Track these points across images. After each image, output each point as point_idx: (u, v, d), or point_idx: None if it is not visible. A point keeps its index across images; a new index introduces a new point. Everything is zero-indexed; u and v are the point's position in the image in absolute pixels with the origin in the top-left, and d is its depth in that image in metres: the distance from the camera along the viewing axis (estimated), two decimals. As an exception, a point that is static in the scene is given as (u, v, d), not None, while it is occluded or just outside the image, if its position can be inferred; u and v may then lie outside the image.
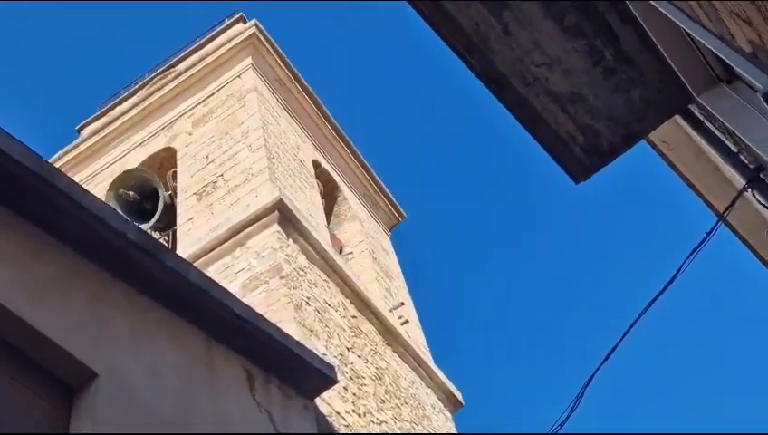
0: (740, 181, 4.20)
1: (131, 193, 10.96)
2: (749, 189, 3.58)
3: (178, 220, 9.85)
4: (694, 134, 4.43)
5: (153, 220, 10.66)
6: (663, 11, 2.64)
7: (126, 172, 11.20)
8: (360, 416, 7.42)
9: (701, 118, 4.06)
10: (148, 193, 11.08)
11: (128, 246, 4.35)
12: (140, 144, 11.76)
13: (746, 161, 3.69)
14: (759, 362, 30.81)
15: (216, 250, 8.29)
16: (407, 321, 10.76)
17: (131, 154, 11.72)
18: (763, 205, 3.47)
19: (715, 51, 2.37)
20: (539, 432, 4.71)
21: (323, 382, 5.85)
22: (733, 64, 2.27)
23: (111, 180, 11.10)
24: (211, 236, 8.43)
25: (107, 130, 12.34)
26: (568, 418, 4.53)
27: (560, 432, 4.44)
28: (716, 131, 3.93)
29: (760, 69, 2.08)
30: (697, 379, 32.37)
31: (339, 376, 6.52)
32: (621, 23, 3.69)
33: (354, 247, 12.01)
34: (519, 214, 36.69)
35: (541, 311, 35.80)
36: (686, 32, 3.25)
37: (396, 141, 36.42)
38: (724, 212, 4.68)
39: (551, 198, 36.44)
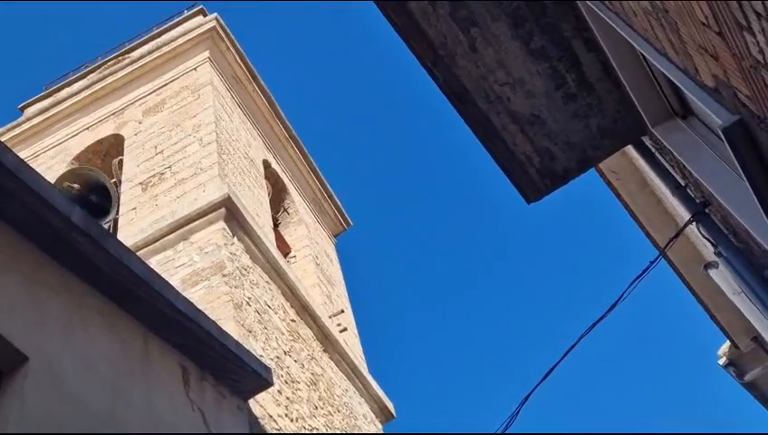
0: (682, 216, 4.32)
1: (75, 186, 10.63)
2: (694, 223, 3.68)
3: (121, 209, 9.62)
4: (641, 165, 4.55)
5: (111, 216, 10.29)
6: (631, 41, 2.70)
7: (71, 170, 10.85)
8: (291, 421, 7.34)
9: (652, 150, 4.17)
10: (94, 186, 10.75)
11: (70, 229, 4.21)
12: (88, 128, 11.45)
13: (693, 195, 3.80)
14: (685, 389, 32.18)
15: (158, 242, 8.13)
16: (345, 329, 10.72)
17: (77, 137, 11.40)
18: (707, 239, 3.57)
19: (677, 83, 2.43)
20: (487, 432, 4.74)
21: (259, 384, 5.78)
22: (694, 98, 2.34)
23: (56, 178, 10.68)
24: (154, 228, 8.26)
25: (53, 111, 11.98)
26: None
27: (508, 432, 4.47)
28: (666, 164, 4.04)
29: (720, 104, 2.14)
30: (629, 398, 33.59)
31: (274, 379, 6.44)
32: (586, 49, 3.77)
33: (298, 251, 11.93)
34: (465, 233, 37.02)
35: (483, 329, 36.16)
36: (648, 65, 3.34)
37: (349, 149, 36.44)
38: (665, 247, 4.81)
39: (500, 216, 36.96)
